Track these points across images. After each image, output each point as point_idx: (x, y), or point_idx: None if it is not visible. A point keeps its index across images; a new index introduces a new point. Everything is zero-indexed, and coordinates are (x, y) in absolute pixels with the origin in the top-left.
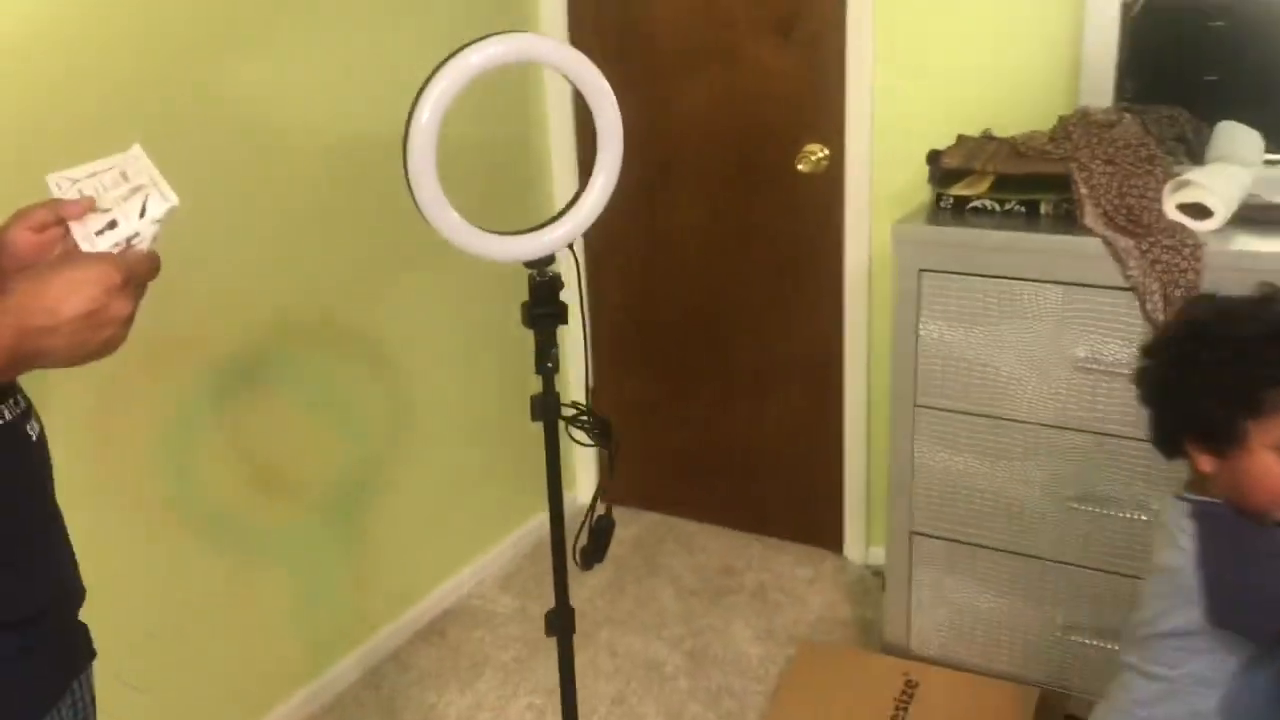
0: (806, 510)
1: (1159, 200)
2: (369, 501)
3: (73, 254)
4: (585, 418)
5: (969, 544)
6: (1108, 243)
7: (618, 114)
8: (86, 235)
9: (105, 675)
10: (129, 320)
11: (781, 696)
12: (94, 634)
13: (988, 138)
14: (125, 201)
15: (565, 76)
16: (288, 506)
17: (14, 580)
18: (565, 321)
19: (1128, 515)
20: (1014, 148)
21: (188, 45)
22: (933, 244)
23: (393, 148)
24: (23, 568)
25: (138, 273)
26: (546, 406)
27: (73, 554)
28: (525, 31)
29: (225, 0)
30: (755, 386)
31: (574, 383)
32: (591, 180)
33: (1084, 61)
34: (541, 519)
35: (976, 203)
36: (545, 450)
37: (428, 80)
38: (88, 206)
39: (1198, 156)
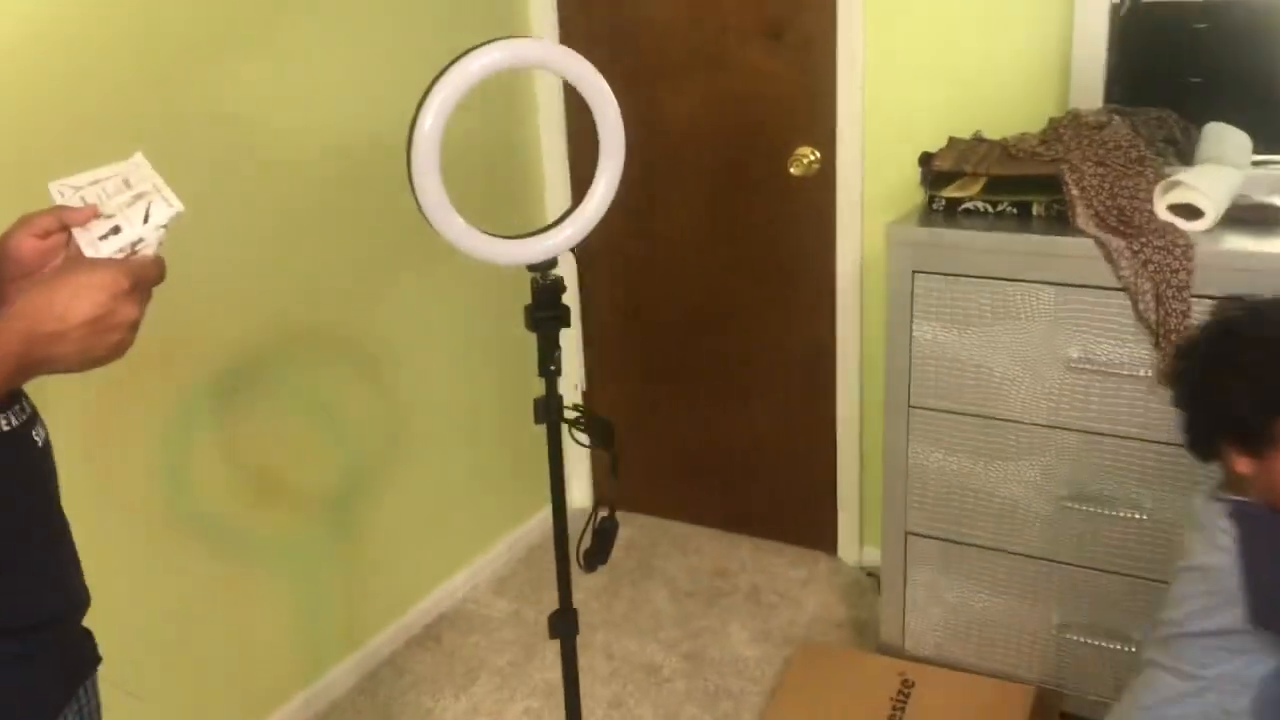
0: (800, 512)
1: (1150, 201)
2: (363, 507)
3: (80, 260)
4: (587, 420)
5: (963, 544)
6: (1100, 243)
7: (620, 118)
8: (90, 241)
9: (103, 683)
10: (136, 325)
11: (779, 697)
12: None
13: (978, 140)
14: (128, 207)
15: (568, 81)
16: (282, 513)
17: (22, 587)
18: (568, 324)
19: (1121, 514)
20: (1005, 150)
21: (182, 51)
22: (926, 245)
23: (388, 152)
24: (31, 574)
25: (145, 278)
26: (550, 409)
27: (78, 560)
28: (527, 37)
29: (218, 7)
30: (748, 389)
31: (564, 386)
32: (594, 184)
33: (1074, 64)
34: (535, 523)
35: (969, 204)
36: (548, 453)
37: (431, 86)
38: (91, 213)
39: (1187, 158)
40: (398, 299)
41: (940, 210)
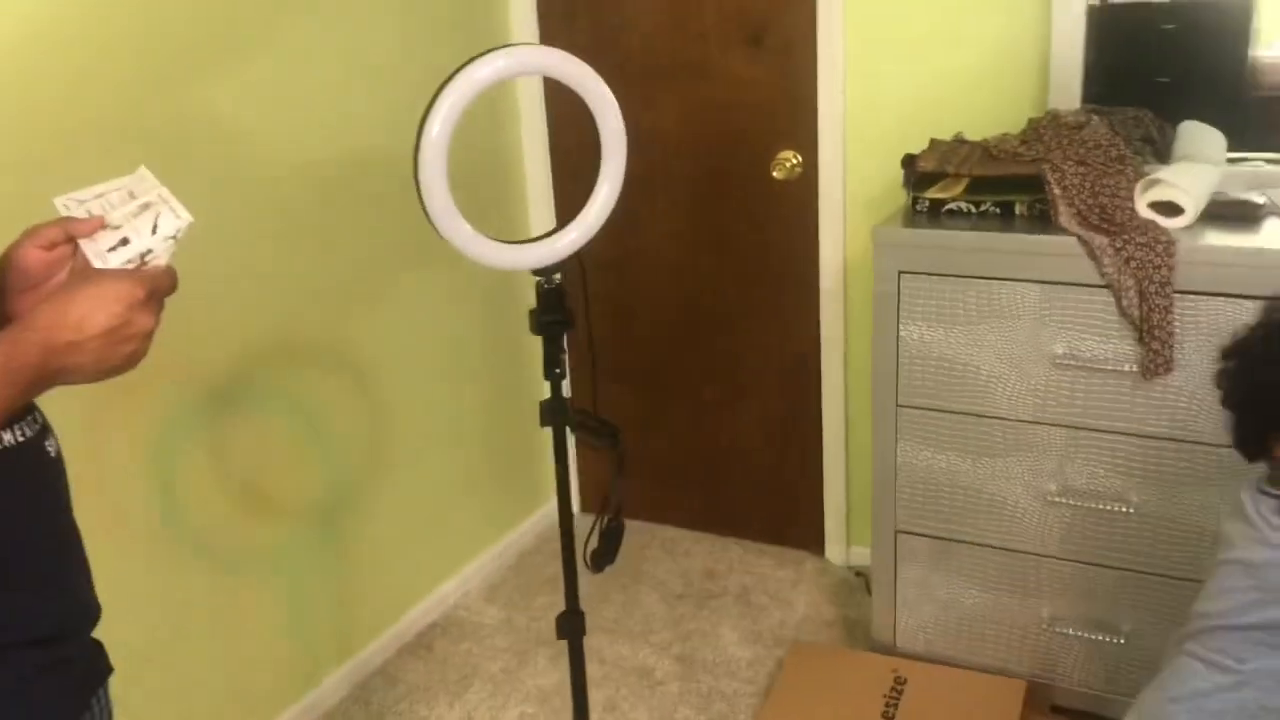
0: (787, 513)
1: (1131, 199)
2: (353, 516)
3: (95, 271)
4: (593, 423)
5: (953, 540)
6: (1083, 241)
7: (621, 123)
8: (98, 253)
9: None
10: (151, 335)
11: (774, 697)
12: None
13: (960, 141)
14: (135, 218)
15: (571, 88)
16: (272, 523)
17: (37, 598)
18: (573, 327)
19: (1108, 507)
20: (987, 151)
21: (170, 68)
22: (912, 246)
23: (374, 165)
24: (45, 585)
25: (159, 288)
26: (555, 412)
27: (89, 570)
28: (533, 44)
29: (205, 25)
30: (733, 392)
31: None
32: (596, 188)
33: (1052, 65)
34: (524, 528)
35: (952, 205)
36: (554, 455)
37: (437, 94)
38: (97, 224)
39: (1164, 156)
40: (384, 309)
41: (924, 211)
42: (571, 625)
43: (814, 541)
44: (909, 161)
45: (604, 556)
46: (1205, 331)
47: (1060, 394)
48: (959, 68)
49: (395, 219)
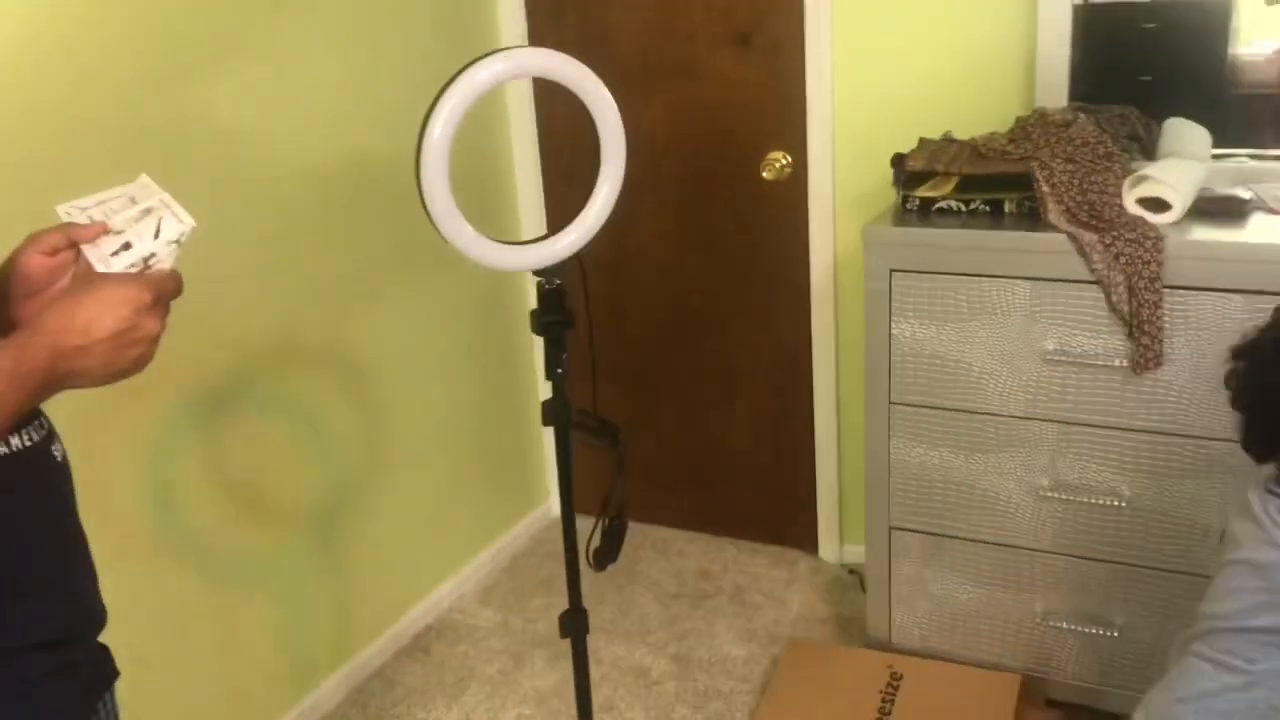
0: (780, 512)
1: (1119, 195)
2: (348, 520)
3: (102, 275)
4: (594, 422)
5: (946, 536)
6: (1072, 238)
7: (621, 125)
8: (101, 257)
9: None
10: (158, 338)
11: (771, 694)
12: None
13: (948, 140)
14: (138, 223)
15: (571, 90)
16: (268, 528)
17: (44, 602)
18: (574, 327)
19: (1100, 501)
20: (975, 149)
21: (167, 71)
22: (902, 245)
23: (370, 167)
24: (52, 589)
25: (164, 291)
26: (558, 411)
27: (95, 575)
28: (535, 47)
29: (199, 29)
30: (725, 392)
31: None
32: (596, 189)
33: (1038, 63)
34: (518, 531)
35: (942, 204)
36: (556, 455)
37: (439, 96)
38: (100, 230)
39: (1150, 153)
40: (378, 312)
41: (914, 210)
42: (574, 623)
43: (807, 540)
44: (898, 160)
45: (606, 555)
46: (1194, 326)
47: (1051, 389)
48: (946, 67)
49: (389, 222)
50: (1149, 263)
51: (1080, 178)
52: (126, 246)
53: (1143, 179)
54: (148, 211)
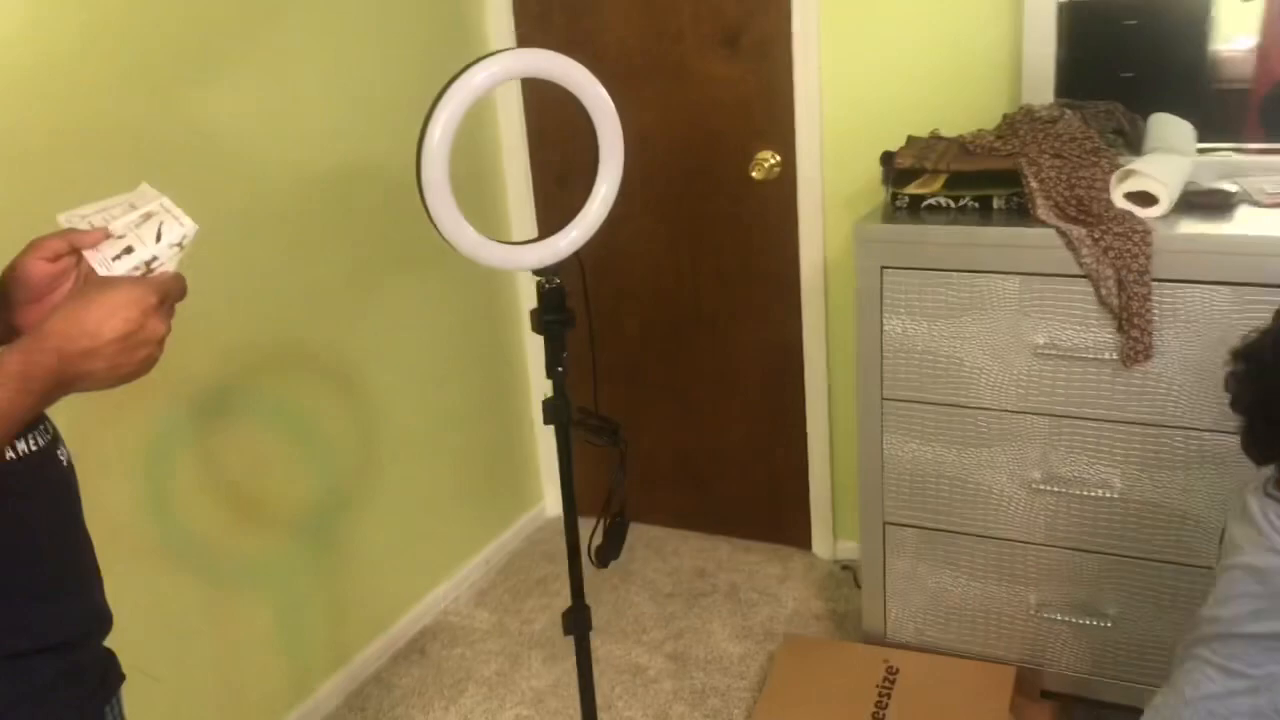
0: (773, 510)
1: (1106, 190)
2: (343, 524)
3: (107, 279)
4: (594, 420)
5: (940, 530)
6: (1061, 233)
7: (618, 125)
8: (103, 261)
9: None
10: (164, 340)
11: (769, 690)
12: None
13: (936, 138)
14: (138, 228)
15: (570, 90)
16: (262, 534)
17: (55, 605)
18: (574, 326)
19: (1092, 493)
20: (963, 146)
21: (158, 78)
22: (893, 242)
23: (359, 173)
24: (62, 592)
25: (171, 293)
26: (559, 410)
27: (100, 577)
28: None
29: (191, 38)
30: (717, 392)
31: (534, 396)
32: (595, 187)
33: (1024, 61)
34: (511, 533)
35: (931, 200)
36: (558, 452)
37: (437, 100)
38: (100, 235)
39: (1135, 147)
40: (368, 317)
41: (904, 208)
42: (578, 619)
43: (801, 537)
44: (887, 158)
45: (609, 552)
46: (1183, 318)
47: (1042, 383)
48: (933, 65)
49: (380, 227)
50: (1137, 256)
51: (1068, 173)
52: (128, 250)
53: (1130, 173)
54: (148, 216)
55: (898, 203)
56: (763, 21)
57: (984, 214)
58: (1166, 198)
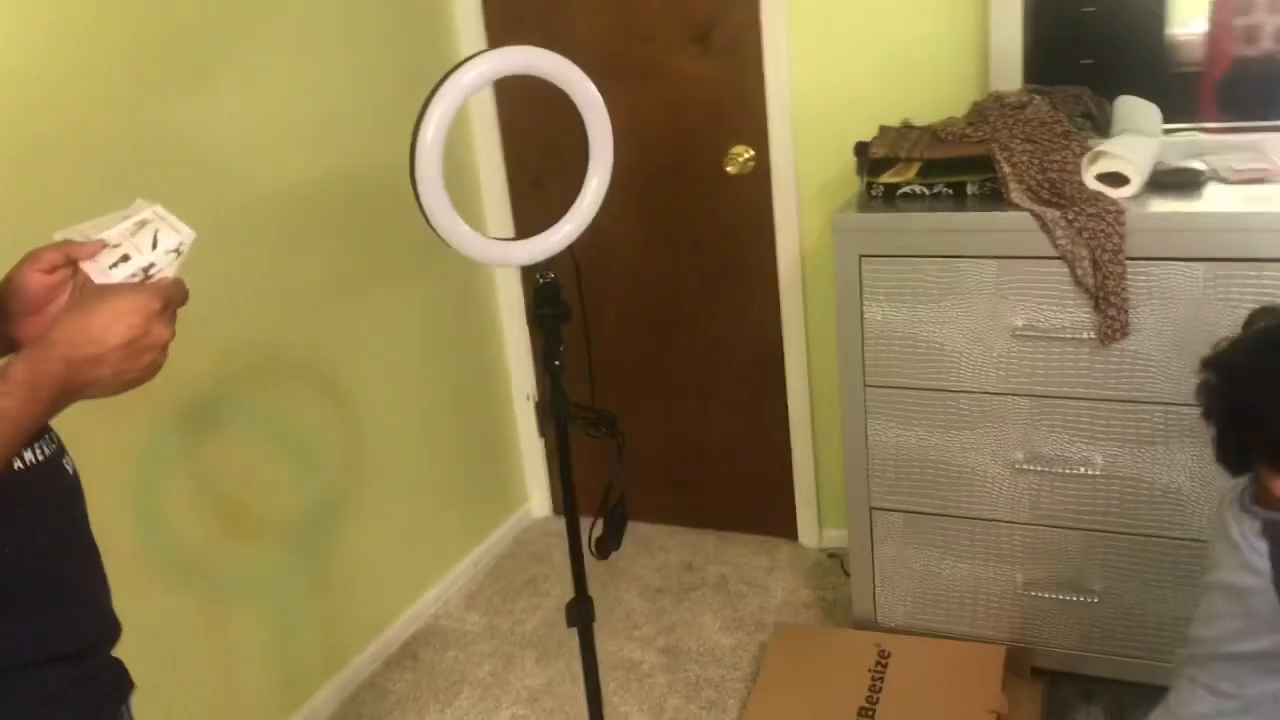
0: (759, 502)
1: (1078, 172)
2: (331, 532)
3: (109, 286)
4: (591, 414)
5: (926, 514)
6: (1035, 216)
7: (607, 121)
8: (100, 270)
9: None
10: (168, 345)
11: (763, 679)
12: None
13: (908, 127)
14: (133, 236)
15: (559, 87)
16: (252, 543)
17: (64, 615)
18: (569, 320)
19: (1074, 471)
20: (935, 134)
21: (141, 87)
22: (870, 231)
23: (334, 179)
24: (70, 601)
25: (173, 298)
26: (557, 403)
27: (108, 586)
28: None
29: (167, 43)
30: (699, 387)
31: (516, 397)
32: (586, 182)
33: (992, 48)
34: (498, 535)
35: (906, 189)
36: (558, 447)
37: (429, 99)
38: (97, 247)
39: (1103, 130)
40: (350, 325)
41: (879, 196)
42: (581, 611)
43: (787, 527)
44: (861, 149)
45: (609, 543)
46: (1158, 296)
47: (1022, 364)
48: (902, 55)
49: (356, 233)
50: (1111, 236)
51: (1040, 157)
52: (125, 258)
53: (1100, 155)
54: (142, 224)
55: (873, 192)
56: (732, 18)
57: (958, 200)
58: (1137, 178)
